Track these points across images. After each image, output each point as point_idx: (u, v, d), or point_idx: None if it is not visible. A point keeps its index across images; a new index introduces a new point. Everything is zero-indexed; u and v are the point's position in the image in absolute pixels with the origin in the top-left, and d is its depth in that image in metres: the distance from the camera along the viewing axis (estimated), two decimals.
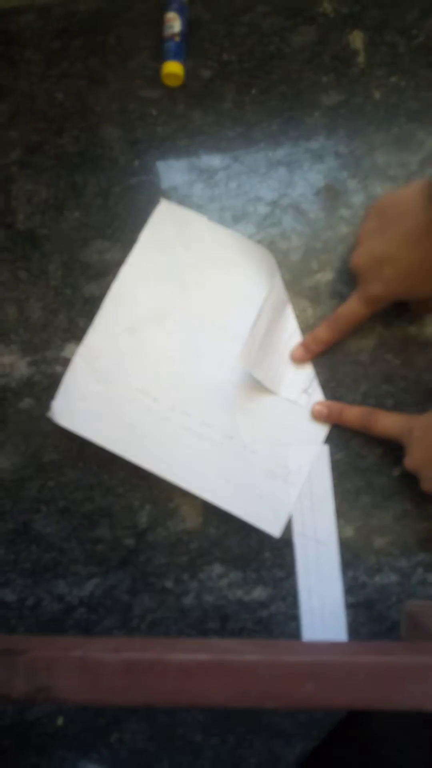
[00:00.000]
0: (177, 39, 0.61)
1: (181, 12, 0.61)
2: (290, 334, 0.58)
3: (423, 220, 0.47)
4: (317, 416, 0.56)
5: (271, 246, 0.59)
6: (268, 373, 0.57)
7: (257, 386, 0.57)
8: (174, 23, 0.61)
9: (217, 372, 0.58)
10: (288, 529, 0.56)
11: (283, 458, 0.57)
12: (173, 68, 0.61)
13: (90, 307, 0.59)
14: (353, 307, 0.54)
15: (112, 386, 0.58)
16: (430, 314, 0.57)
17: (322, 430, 0.57)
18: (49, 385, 0.59)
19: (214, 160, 0.61)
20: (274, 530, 0.56)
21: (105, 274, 0.60)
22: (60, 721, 0.57)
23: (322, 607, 0.55)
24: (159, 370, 0.58)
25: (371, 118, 0.60)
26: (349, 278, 0.58)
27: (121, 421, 0.57)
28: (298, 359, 0.57)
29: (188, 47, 0.62)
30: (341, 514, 0.56)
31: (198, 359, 0.58)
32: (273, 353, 0.57)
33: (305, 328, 0.58)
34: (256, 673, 0.38)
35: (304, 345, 0.57)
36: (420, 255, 0.48)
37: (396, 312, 0.57)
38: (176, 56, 0.61)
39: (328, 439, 0.57)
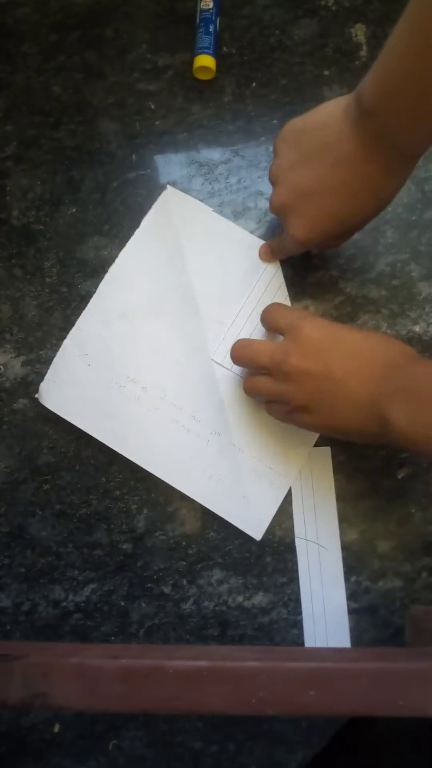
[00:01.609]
0: (210, 10, 0.60)
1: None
2: None
3: (350, 150, 0.43)
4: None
5: None
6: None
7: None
8: (209, 2, 0.60)
9: (210, 366, 0.57)
10: (290, 533, 0.55)
11: (271, 460, 0.56)
12: (205, 61, 0.59)
13: (86, 304, 0.58)
14: (286, 246, 0.53)
15: (101, 372, 0.57)
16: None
17: (312, 436, 0.56)
18: None
19: (213, 154, 0.60)
20: (255, 533, 0.55)
21: (102, 271, 0.58)
22: (56, 727, 0.56)
23: (325, 612, 0.54)
24: (151, 359, 0.57)
25: None
26: (352, 275, 0.57)
27: (108, 408, 0.56)
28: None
29: (186, 41, 0.61)
30: (344, 517, 0.55)
31: (192, 351, 0.57)
32: None
33: None
34: (257, 680, 0.37)
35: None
36: (352, 186, 0.45)
37: (399, 311, 0.56)
38: (208, 49, 0.60)
39: (330, 441, 0.56)
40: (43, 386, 0.57)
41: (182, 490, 0.56)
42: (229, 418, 0.56)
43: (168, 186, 0.59)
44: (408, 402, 0.41)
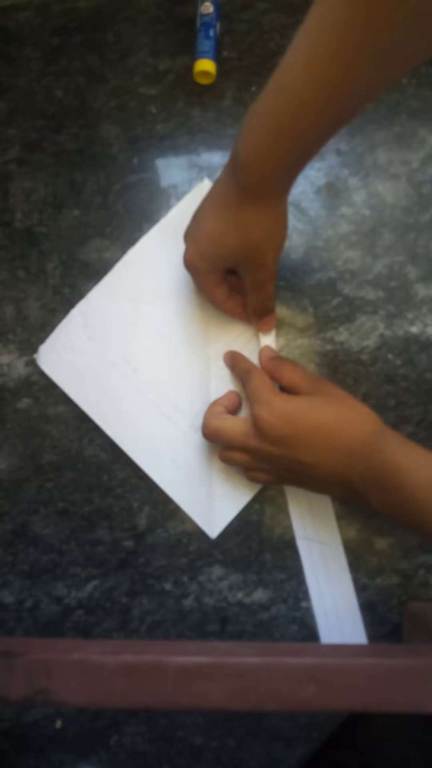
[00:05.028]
0: (210, 14, 0.60)
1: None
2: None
3: (229, 194, 0.47)
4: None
5: None
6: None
7: (240, 388, 0.56)
8: (209, 7, 0.61)
9: (204, 363, 0.57)
10: (289, 531, 0.56)
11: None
12: (205, 66, 0.60)
13: None
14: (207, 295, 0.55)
15: (99, 346, 0.58)
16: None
17: None
18: (48, 385, 0.58)
19: (214, 158, 0.60)
20: (211, 531, 0.56)
21: (104, 272, 0.59)
22: (58, 723, 0.57)
23: (336, 608, 0.54)
24: (148, 344, 0.58)
25: (372, 115, 0.59)
26: (350, 277, 0.58)
27: (98, 382, 0.58)
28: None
29: (186, 45, 0.62)
30: (341, 515, 0.55)
31: (190, 345, 0.58)
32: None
33: (304, 327, 0.58)
34: (257, 676, 0.38)
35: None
36: (227, 214, 0.48)
37: (397, 312, 0.57)
38: (209, 53, 0.60)
39: None
40: (43, 348, 0.58)
41: (150, 475, 0.56)
42: None
43: (206, 179, 0.59)
44: (375, 489, 0.44)
